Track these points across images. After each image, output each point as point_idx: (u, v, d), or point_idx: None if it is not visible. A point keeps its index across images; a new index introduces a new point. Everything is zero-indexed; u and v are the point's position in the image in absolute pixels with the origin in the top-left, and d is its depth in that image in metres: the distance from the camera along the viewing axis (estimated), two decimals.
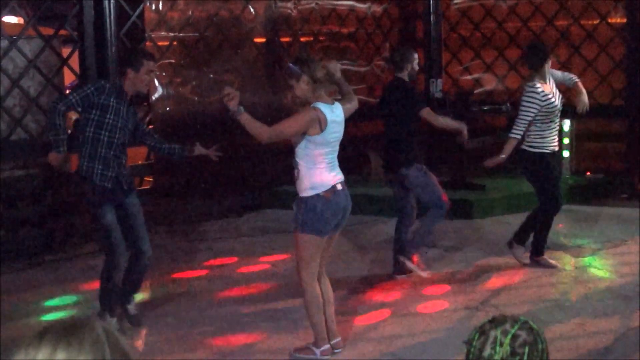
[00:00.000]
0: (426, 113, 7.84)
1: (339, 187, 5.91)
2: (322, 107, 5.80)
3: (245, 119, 5.74)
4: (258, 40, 12.15)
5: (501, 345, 2.36)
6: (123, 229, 6.64)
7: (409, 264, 7.88)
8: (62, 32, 9.80)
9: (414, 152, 7.85)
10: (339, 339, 6.20)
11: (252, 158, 11.44)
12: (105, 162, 6.53)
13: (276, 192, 11.29)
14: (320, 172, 5.85)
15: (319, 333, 6.09)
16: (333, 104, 5.91)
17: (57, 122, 6.39)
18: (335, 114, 5.87)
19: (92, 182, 6.53)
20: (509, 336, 2.37)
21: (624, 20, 12.07)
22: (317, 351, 6.11)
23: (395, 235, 8.05)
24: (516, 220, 9.74)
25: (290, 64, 5.94)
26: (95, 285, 8.13)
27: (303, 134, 5.79)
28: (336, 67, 6.28)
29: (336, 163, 5.99)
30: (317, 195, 5.84)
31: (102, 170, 6.53)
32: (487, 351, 2.37)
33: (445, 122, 8.10)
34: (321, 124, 5.77)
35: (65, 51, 9.93)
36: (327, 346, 6.11)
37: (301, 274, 5.99)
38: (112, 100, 6.48)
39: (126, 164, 6.74)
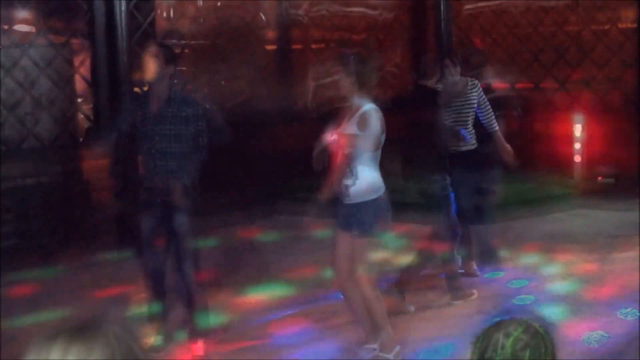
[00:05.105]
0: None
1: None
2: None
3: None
4: (269, 47, 12.17)
5: (502, 348, 2.36)
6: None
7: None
8: (74, 40, 9.84)
9: None
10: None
11: (265, 158, 11.39)
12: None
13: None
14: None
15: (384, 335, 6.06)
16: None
17: None
18: None
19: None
20: (511, 339, 2.37)
21: (635, 25, 12.04)
22: (391, 354, 6.08)
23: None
24: (523, 225, 9.72)
25: (346, 52, 5.92)
26: (108, 292, 8.17)
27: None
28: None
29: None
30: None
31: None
32: (488, 354, 2.37)
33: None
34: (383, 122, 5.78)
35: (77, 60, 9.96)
36: (397, 347, 6.09)
37: None
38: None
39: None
